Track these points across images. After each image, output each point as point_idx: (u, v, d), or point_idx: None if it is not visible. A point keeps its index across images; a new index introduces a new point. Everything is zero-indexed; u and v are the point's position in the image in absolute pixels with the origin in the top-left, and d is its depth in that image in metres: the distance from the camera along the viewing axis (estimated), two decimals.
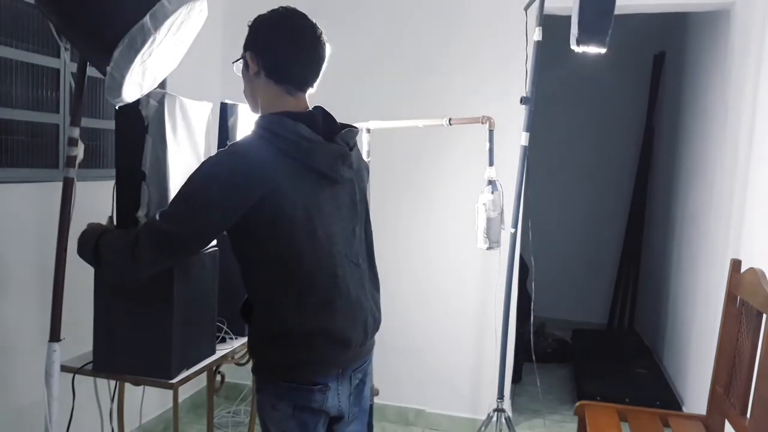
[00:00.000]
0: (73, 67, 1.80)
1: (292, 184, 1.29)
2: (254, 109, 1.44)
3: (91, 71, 1.60)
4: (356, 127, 1.46)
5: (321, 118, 1.40)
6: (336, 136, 1.38)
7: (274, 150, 1.29)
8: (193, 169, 1.31)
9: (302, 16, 1.39)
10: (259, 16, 1.40)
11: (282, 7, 1.40)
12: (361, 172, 1.49)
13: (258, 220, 1.28)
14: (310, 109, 1.42)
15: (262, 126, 1.32)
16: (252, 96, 1.42)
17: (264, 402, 1.41)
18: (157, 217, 1.30)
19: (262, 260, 1.34)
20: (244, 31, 1.41)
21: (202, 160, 1.83)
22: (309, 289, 1.33)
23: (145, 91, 1.53)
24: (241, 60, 1.40)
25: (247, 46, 1.39)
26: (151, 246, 1.30)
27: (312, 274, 1.33)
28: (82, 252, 1.45)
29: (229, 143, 1.95)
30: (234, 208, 1.26)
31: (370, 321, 1.45)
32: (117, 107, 1.53)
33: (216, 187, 1.25)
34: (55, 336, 1.56)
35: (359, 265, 1.44)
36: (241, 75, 1.43)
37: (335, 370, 1.40)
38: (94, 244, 1.41)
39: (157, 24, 1.32)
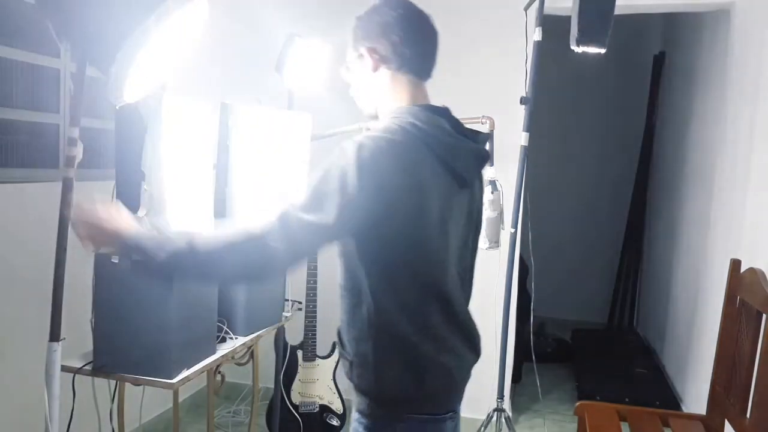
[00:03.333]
0: (73, 67, 1.81)
1: (432, 183, 1.16)
2: (372, 109, 1.32)
3: (91, 71, 1.60)
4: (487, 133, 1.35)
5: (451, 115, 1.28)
6: (475, 135, 1.29)
7: (419, 144, 1.16)
8: (326, 162, 1.13)
9: (410, 3, 1.30)
10: (364, 14, 1.29)
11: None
12: (482, 180, 1.37)
13: (396, 221, 1.12)
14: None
15: (404, 117, 1.19)
16: (371, 94, 1.30)
17: None
18: (293, 209, 1.10)
19: (392, 270, 1.16)
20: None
21: (202, 160, 1.84)
22: (442, 303, 1.20)
23: (146, 91, 1.53)
24: (353, 61, 1.29)
25: (360, 41, 1.27)
26: (295, 240, 1.09)
27: (440, 286, 1.20)
28: (157, 262, 1.11)
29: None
30: (380, 205, 1.10)
31: (478, 336, 1.35)
32: (117, 107, 1.53)
33: (363, 180, 1.08)
34: (55, 336, 1.56)
35: (465, 278, 1.34)
36: (354, 80, 1.32)
37: (462, 392, 1.28)
38: (187, 247, 1.10)
39: (159, 23, 1.32)
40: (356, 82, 1.32)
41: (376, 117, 1.32)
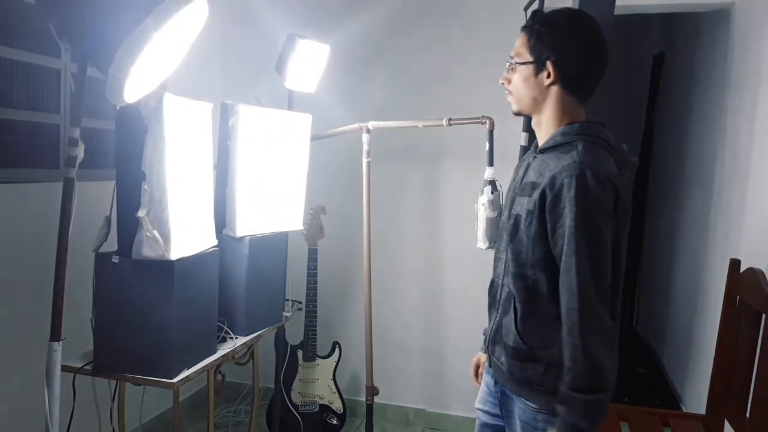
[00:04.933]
0: (74, 67, 1.81)
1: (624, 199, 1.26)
2: (526, 110, 1.38)
3: (92, 71, 1.61)
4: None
5: None
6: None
7: (614, 163, 1.26)
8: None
9: (597, 25, 1.31)
10: (559, 23, 1.30)
11: (576, 12, 1.33)
12: None
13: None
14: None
15: (597, 137, 1.29)
16: (533, 100, 1.35)
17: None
18: (579, 275, 1.19)
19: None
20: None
21: (203, 160, 1.84)
22: (615, 309, 1.30)
23: (147, 92, 1.54)
24: (530, 64, 1.31)
25: (549, 53, 1.29)
26: (603, 302, 1.20)
27: (618, 293, 1.30)
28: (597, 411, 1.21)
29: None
30: (612, 227, 1.22)
31: None
32: (118, 107, 1.53)
33: (603, 215, 1.20)
34: (55, 336, 1.56)
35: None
36: (513, 72, 1.36)
37: None
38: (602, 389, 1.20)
39: (159, 24, 1.32)
40: (520, 82, 1.34)
41: (521, 115, 1.40)
